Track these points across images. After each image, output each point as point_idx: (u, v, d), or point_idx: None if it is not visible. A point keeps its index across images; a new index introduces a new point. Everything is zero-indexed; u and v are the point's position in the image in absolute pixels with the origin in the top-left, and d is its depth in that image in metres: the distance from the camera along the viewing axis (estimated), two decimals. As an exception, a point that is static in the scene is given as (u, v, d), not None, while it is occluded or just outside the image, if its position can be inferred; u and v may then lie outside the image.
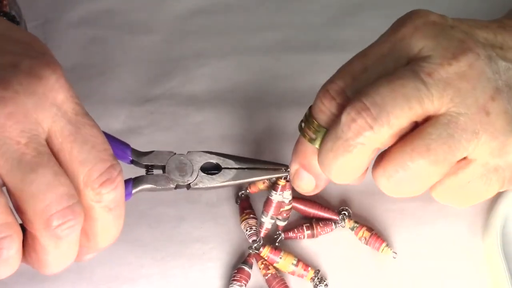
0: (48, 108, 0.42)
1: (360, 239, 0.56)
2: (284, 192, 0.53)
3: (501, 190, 0.46)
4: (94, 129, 0.43)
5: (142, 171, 0.49)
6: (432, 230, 0.56)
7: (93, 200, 0.43)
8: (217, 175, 0.49)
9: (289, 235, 0.56)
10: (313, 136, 0.46)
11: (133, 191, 0.48)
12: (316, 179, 0.49)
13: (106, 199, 0.43)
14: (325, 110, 0.45)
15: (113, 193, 0.43)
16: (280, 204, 0.54)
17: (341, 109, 0.44)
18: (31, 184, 0.41)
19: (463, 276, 0.54)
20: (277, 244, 0.56)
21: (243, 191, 0.58)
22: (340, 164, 0.44)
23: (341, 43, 0.68)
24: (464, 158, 0.44)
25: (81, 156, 0.43)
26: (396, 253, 0.55)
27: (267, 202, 0.54)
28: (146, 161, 0.49)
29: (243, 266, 0.54)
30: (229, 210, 0.58)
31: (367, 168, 0.46)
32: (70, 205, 0.42)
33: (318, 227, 0.56)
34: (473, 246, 0.56)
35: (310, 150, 0.47)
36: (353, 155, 0.43)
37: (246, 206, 0.57)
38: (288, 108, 0.63)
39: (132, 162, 0.48)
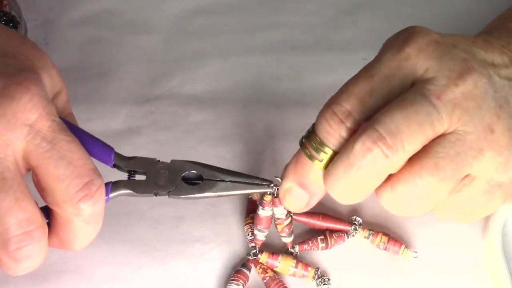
0: (19, 129, 0.42)
1: (378, 245, 0.55)
2: (276, 208, 0.53)
3: (502, 206, 0.46)
4: (71, 144, 0.44)
5: (124, 175, 0.48)
6: (432, 230, 0.56)
7: (72, 214, 0.44)
8: (198, 186, 0.48)
9: (304, 248, 0.55)
10: (317, 155, 0.45)
11: (111, 195, 0.47)
12: (311, 197, 0.47)
13: (85, 213, 0.44)
14: (333, 133, 0.44)
15: (92, 208, 0.44)
16: (270, 219, 0.53)
17: (351, 132, 0.43)
18: None
19: (463, 276, 0.54)
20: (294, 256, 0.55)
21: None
22: (351, 188, 0.44)
23: (341, 43, 0.67)
24: (467, 175, 0.44)
25: (57, 172, 0.43)
26: (417, 252, 0.55)
27: (256, 217, 0.54)
28: (128, 166, 0.48)
29: (242, 269, 0.54)
30: (229, 210, 0.58)
31: None
32: (29, 231, 0.42)
33: (332, 239, 0.55)
34: (473, 246, 0.56)
35: (310, 168, 0.46)
36: (365, 181, 0.43)
37: (252, 209, 0.57)
38: (288, 108, 0.63)
39: (114, 166, 0.48)
